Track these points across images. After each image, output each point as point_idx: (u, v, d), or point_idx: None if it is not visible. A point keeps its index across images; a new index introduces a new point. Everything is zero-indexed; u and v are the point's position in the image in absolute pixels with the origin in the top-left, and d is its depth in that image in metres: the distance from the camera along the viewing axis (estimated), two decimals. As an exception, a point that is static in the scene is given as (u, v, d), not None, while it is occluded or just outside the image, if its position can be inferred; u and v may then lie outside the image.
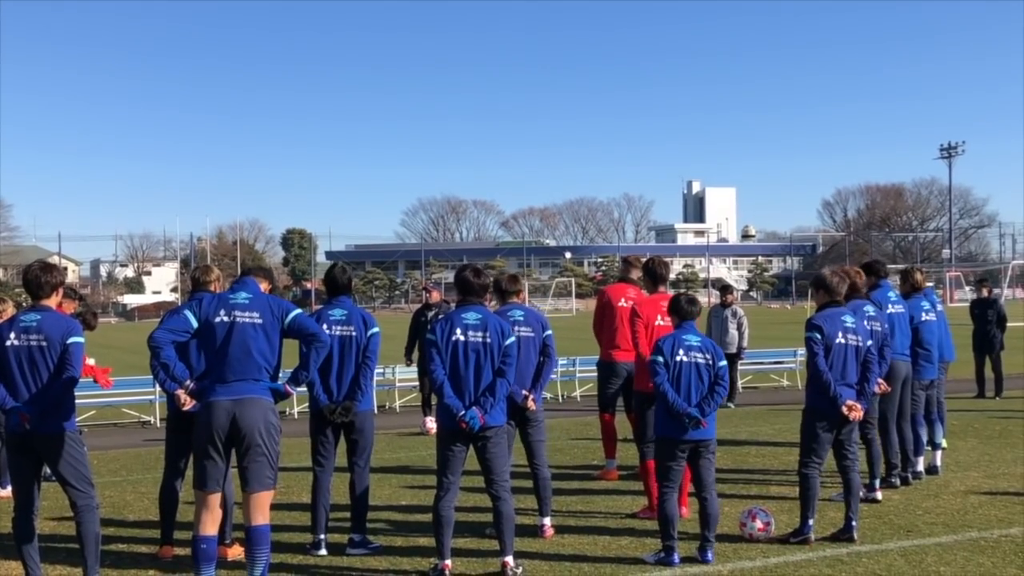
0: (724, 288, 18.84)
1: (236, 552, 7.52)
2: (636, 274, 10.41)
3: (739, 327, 17.63)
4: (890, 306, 9.78)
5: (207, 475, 6.33)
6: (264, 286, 6.82)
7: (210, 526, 6.30)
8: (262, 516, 6.30)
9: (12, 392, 6.49)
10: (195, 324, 6.41)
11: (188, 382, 6.51)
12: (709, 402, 7.48)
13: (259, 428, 6.28)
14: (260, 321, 6.41)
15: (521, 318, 8.16)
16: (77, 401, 6.92)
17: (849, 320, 8.01)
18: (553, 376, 19.65)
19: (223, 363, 6.34)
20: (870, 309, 9.01)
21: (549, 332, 8.34)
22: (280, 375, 6.55)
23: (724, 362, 7.67)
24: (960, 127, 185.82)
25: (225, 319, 6.39)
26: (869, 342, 8.12)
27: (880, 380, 9.05)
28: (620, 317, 10.13)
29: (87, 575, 6.60)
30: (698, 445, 7.53)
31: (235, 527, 7.60)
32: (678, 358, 7.53)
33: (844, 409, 7.81)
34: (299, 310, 6.59)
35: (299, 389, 6.82)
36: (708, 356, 7.57)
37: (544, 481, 8.39)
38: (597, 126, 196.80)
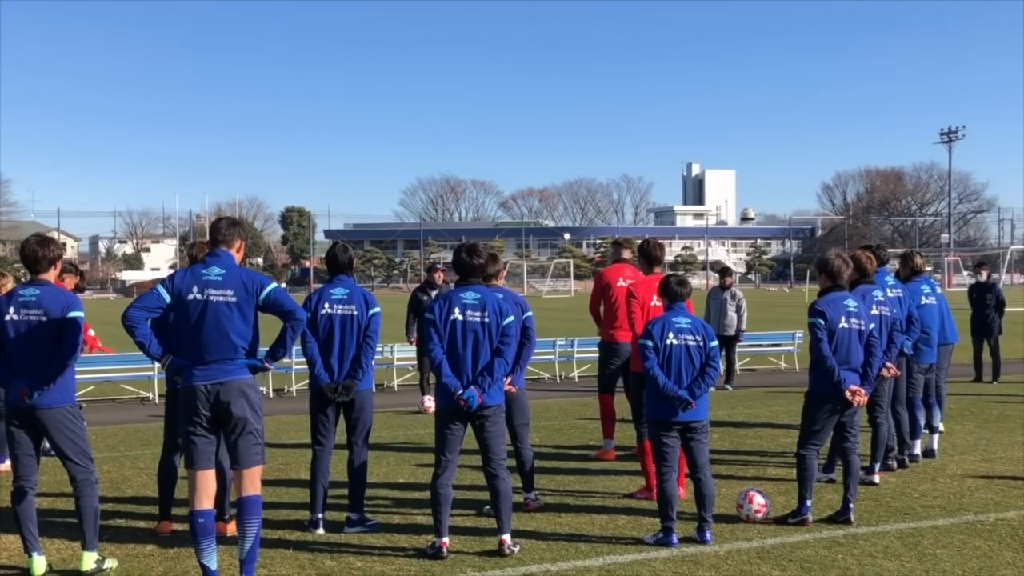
0: (723, 271, 18.82)
1: (233, 529, 7.53)
2: (628, 253, 10.42)
3: (738, 309, 17.62)
4: (888, 290, 9.77)
5: (197, 454, 6.30)
6: (237, 246, 6.55)
7: (206, 501, 6.29)
8: (253, 488, 6.30)
9: (12, 367, 6.49)
10: (168, 299, 6.28)
11: (165, 359, 6.40)
12: (700, 384, 7.48)
13: (242, 407, 6.23)
14: (234, 299, 6.25)
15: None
16: (76, 377, 6.91)
17: (852, 304, 8.00)
18: (552, 357, 19.75)
19: (199, 343, 6.22)
20: (878, 294, 9.01)
21: (529, 314, 8.33)
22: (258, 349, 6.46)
23: (715, 343, 7.66)
24: (960, 112, 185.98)
25: (199, 297, 6.24)
26: (872, 325, 8.11)
27: (889, 364, 9.05)
28: (619, 297, 10.14)
29: (86, 549, 6.62)
30: (689, 426, 7.54)
31: (233, 503, 7.61)
32: (668, 341, 7.52)
33: (848, 394, 7.81)
34: (274, 284, 6.42)
35: (275, 365, 6.73)
36: (699, 338, 7.57)
37: (527, 463, 8.55)
38: (597, 107, 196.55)
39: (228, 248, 6.50)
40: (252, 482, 6.30)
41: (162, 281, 6.43)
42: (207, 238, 6.76)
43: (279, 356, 6.51)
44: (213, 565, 6.19)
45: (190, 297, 6.25)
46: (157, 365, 9.99)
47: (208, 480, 6.34)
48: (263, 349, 6.44)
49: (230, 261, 6.44)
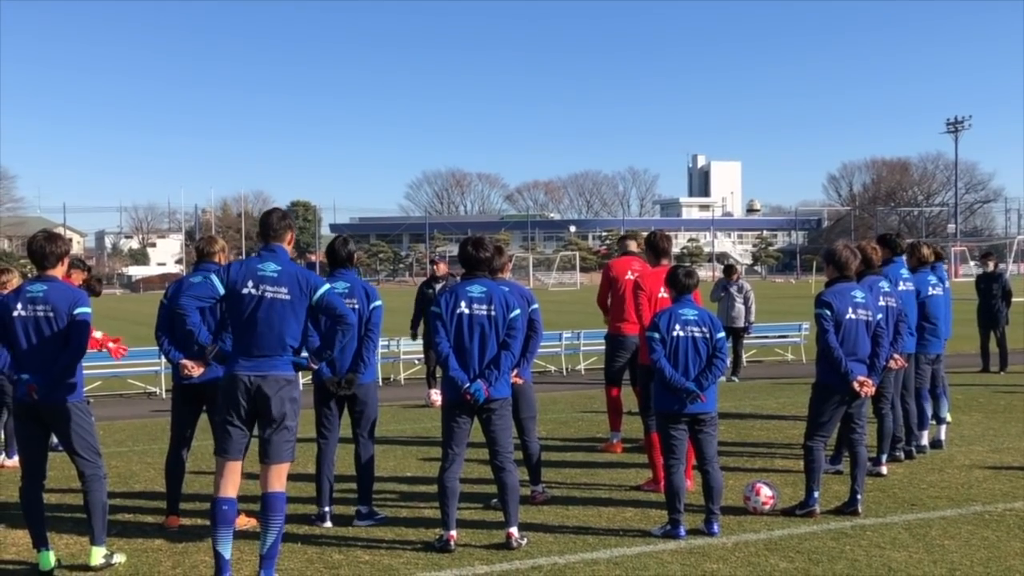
0: (728, 268, 18.73)
1: (243, 522, 7.55)
2: (634, 246, 10.42)
3: (746, 301, 17.59)
4: (901, 283, 9.73)
5: (230, 443, 6.30)
6: (288, 238, 6.56)
7: (231, 490, 6.30)
8: (279, 484, 6.32)
9: (19, 363, 6.50)
10: (222, 291, 6.28)
11: (212, 348, 6.47)
12: (707, 376, 7.48)
13: (281, 404, 6.24)
14: (288, 297, 6.25)
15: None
16: (84, 372, 6.92)
17: (859, 295, 7.98)
18: (558, 349, 19.76)
19: (249, 337, 6.23)
20: (885, 285, 8.98)
21: (535, 307, 8.33)
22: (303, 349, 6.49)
23: (722, 334, 7.66)
24: (967, 102, 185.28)
25: (253, 292, 6.24)
26: (879, 316, 8.09)
27: (896, 356, 9.04)
28: (626, 289, 10.14)
29: (94, 544, 6.64)
30: (697, 418, 7.53)
31: (244, 498, 7.62)
32: (675, 333, 7.52)
33: (856, 385, 7.80)
34: (327, 286, 6.43)
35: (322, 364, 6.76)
36: (705, 329, 7.56)
37: (533, 456, 8.57)
38: (602, 99, 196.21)
39: (281, 242, 6.51)
40: (279, 478, 6.32)
41: (216, 271, 6.45)
42: (214, 232, 6.75)
43: (325, 357, 6.56)
44: (227, 554, 6.20)
45: (244, 291, 6.25)
46: (164, 360, 10.01)
47: (236, 470, 6.35)
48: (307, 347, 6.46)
49: (285, 257, 6.45)
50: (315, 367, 6.66)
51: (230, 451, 6.31)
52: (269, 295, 6.24)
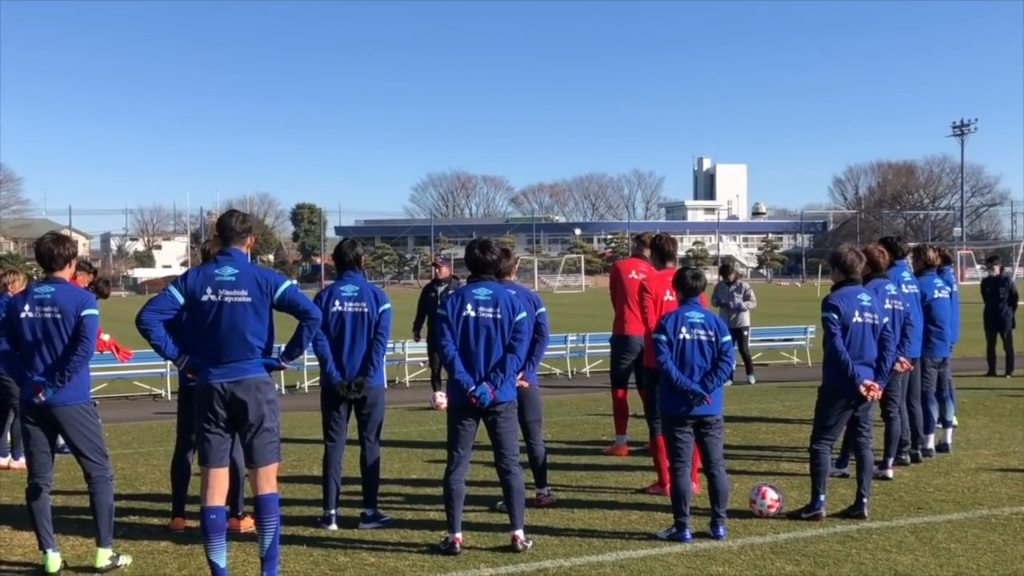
0: (724, 268, 18.70)
1: (248, 524, 7.56)
2: (648, 252, 10.40)
3: (745, 297, 17.59)
4: (904, 286, 9.71)
5: (211, 452, 6.29)
6: (248, 242, 6.51)
7: (218, 498, 6.28)
8: (269, 486, 6.29)
9: (27, 364, 6.52)
10: (182, 300, 6.25)
11: (181, 359, 6.40)
12: (712, 378, 7.47)
13: (258, 406, 6.22)
14: (248, 299, 6.21)
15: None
16: (90, 374, 6.93)
17: (865, 298, 7.97)
18: (563, 352, 19.75)
19: (214, 344, 6.20)
20: (891, 288, 8.97)
21: (542, 310, 8.33)
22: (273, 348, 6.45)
23: (728, 337, 7.65)
24: (973, 105, 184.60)
25: (213, 298, 6.20)
26: (886, 319, 8.08)
27: (903, 358, 9.02)
28: (631, 291, 10.14)
29: (100, 546, 6.65)
30: (703, 420, 7.53)
31: (247, 500, 7.63)
32: (681, 335, 7.51)
33: (862, 389, 7.79)
34: (288, 283, 6.38)
35: (293, 363, 6.70)
36: (711, 332, 7.55)
37: (539, 458, 8.57)
38: (607, 102, 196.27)
39: (239, 246, 6.44)
40: (268, 480, 6.30)
41: (174, 282, 6.38)
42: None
43: (295, 355, 6.50)
44: (222, 563, 6.20)
45: (204, 298, 6.22)
46: (169, 363, 10.01)
47: (221, 478, 6.32)
48: (279, 347, 6.43)
49: (242, 260, 6.38)
50: (286, 367, 6.62)
51: (212, 460, 6.29)
52: (229, 299, 6.20)
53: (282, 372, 17.21)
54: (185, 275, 6.39)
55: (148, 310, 6.26)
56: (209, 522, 6.21)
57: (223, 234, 6.46)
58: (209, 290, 6.22)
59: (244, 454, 6.39)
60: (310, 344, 6.68)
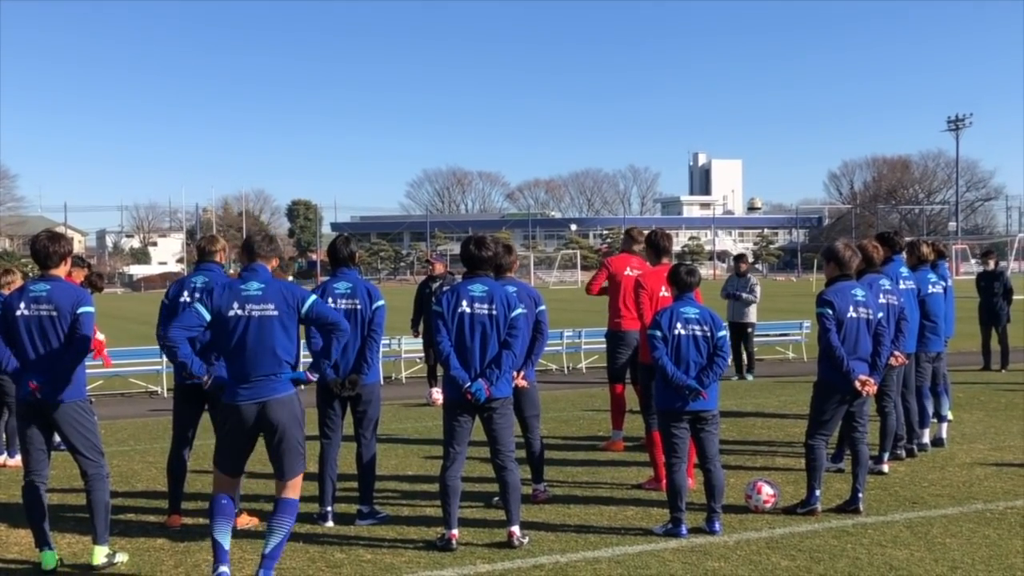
0: (738, 256, 18.79)
1: (244, 521, 7.57)
2: (639, 247, 10.40)
3: (749, 291, 17.61)
4: (901, 282, 9.72)
5: (230, 464, 6.36)
6: (273, 263, 6.64)
7: (229, 493, 6.38)
8: (293, 493, 6.37)
9: (23, 362, 6.50)
10: (208, 317, 6.25)
11: (206, 377, 6.39)
12: (708, 373, 7.48)
13: (287, 423, 6.24)
14: (275, 313, 6.22)
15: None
16: (86, 371, 6.92)
17: (860, 293, 7.98)
18: (559, 348, 19.75)
19: (242, 359, 6.19)
20: (886, 283, 8.98)
21: (542, 308, 8.32)
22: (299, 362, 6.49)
23: (723, 332, 7.65)
24: (968, 99, 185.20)
25: (240, 313, 6.20)
26: (880, 314, 8.09)
27: (897, 353, 9.03)
28: (625, 287, 10.14)
29: (97, 543, 6.64)
30: (699, 416, 7.54)
31: (244, 497, 7.64)
32: (676, 331, 7.52)
33: (857, 384, 7.80)
34: (314, 297, 6.42)
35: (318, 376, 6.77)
36: (707, 328, 7.56)
37: (536, 453, 8.59)
38: (603, 97, 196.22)
39: (264, 263, 6.51)
40: (294, 489, 6.38)
41: (199, 299, 6.41)
42: (215, 231, 6.75)
43: (323, 368, 6.57)
44: (227, 544, 6.21)
45: (231, 313, 6.22)
46: (165, 359, 10.01)
47: (234, 485, 6.47)
48: (305, 360, 6.45)
49: (267, 275, 6.42)
50: (314, 380, 6.64)
51: (231, 469, 6.38)
52: (257, 313, 6.21)
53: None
54: (211, 292, 6.42)
55: (175, 327, 6.24)
56: (219, 506, 6.25)
57: (249, 251, 6.52)
58: (236, 305, 6.23)
59: (272, 465, 6.41)
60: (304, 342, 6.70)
